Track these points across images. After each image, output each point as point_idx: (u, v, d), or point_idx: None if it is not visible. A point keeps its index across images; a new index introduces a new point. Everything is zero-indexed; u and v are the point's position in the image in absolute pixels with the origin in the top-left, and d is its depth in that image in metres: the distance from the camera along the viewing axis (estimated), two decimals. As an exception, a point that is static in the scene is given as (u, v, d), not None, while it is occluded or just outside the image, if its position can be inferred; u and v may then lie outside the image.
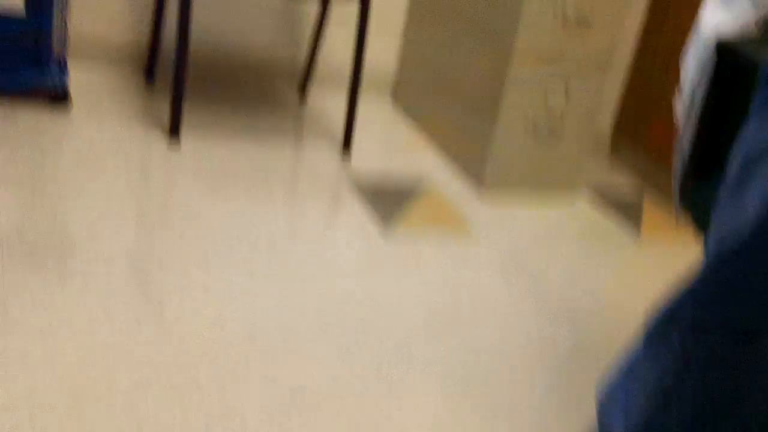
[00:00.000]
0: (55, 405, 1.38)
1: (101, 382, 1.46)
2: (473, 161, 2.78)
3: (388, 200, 2.47)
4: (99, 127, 2.35)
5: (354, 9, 2.76)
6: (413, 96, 3.14)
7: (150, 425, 1.39)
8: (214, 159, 2.37)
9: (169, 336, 1.63)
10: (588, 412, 1.70)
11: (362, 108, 3.10)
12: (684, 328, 1.00)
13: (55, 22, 2.35)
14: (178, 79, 2.33)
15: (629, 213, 3.00)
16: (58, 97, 2.39)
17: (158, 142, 2.38)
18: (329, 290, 1.94)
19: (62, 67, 2.44)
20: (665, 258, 2.71)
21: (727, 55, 1.40)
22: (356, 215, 2.32)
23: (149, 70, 2.76)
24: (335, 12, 3.00)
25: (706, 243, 1.00)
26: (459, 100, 2.85)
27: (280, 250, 2.03)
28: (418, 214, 2.44)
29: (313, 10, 3.01)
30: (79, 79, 2.61)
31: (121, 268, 1.78)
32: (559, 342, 1.98)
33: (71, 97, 2.45)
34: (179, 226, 1.99)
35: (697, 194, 1.61)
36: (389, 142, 2.91)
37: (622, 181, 3.27)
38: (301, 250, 2.06)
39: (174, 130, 2.41)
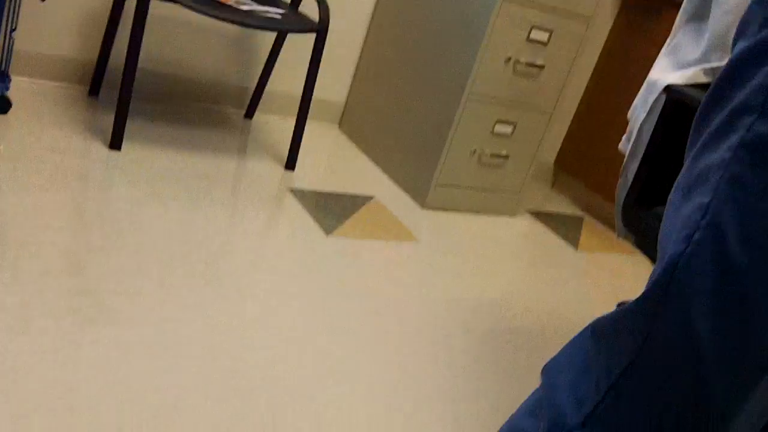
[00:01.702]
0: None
1: (15, 386, 1.42)
2: (418, 184, 2.81)
3: (331, 212, 2.47)
4: (39, 134, 2.32)
5: (309, 42, 2.81)
6: (361, 125, 3.17)
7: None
8: (155, 168, 2.36)
9: (98, 341, 1.59)
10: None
11: (309, 134, 3.12)
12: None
13: (-1, 29, 2.34)
14: (124, 86, 2.32)
15: (568, 228, 3.05)
16: (-2, 104, 2.37)
17: (99, 149, 2.36)
18: (270, 289, 1.92)
19: (3, 77, 2.42)
20: (603, 264, 2.75)
21: (674, 95, 1.51)
22: (298, 222, 2.32)
23: (95, 86, 2.75)
24: (290, 44, 3.04)
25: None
26: (407, 130, 2.89)
27: (220, 253, 2.01)
28: (361, 224, 2.45)
29: (267, 41, 3.04)
30: (22, 90, 2.59)
31: (55, 264, 1.75)
32: (480, 328, 1.99)
33: (11, 105, 2.42)
34: (116, 229, 1.97)
35: (638, 221, 1.68)
36: (334, 163, 2.93)
37: (563, 207, 3.33)
38: (241, 253, 2.04)
39: (116, 137, 2.39)
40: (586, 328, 1.00)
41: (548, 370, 1.02)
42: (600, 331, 0.96)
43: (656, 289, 0.87)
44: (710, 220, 0.83)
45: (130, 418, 1.37)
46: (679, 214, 0.88)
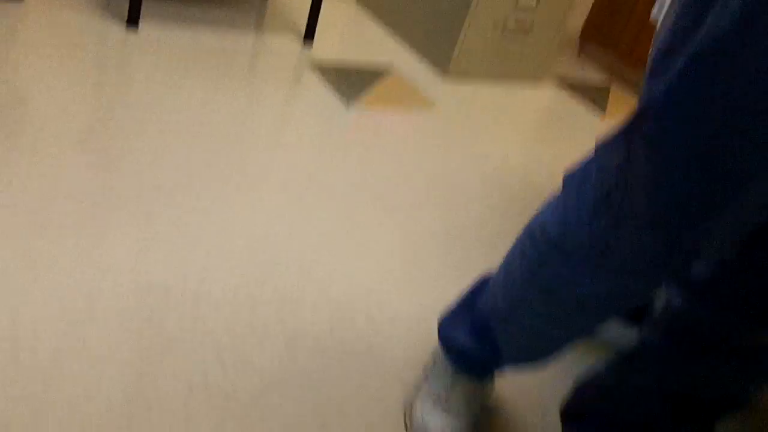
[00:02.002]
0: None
1: (51, 250, 1.45)
2: (439, 52, 2.75)
3: (351, 82, 2.44)
4: (55, 17, 2.30)
5: None
6: (379, -6, 3.10)
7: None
8: (173, 47, 2.33)
9: (118, 224, 1.61)
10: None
11: (326, 7, 3.05)
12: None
13: None
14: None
15: (595, 96, 3.00)
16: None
17: (116, 29, 2.33)
18: (290, 162, 1.92)
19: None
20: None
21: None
22: (318, 95, 2.29)
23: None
24: None
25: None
26: (428, 1, 2.81)
27: (242, 131, 2.00)
28: (381, 94, 2.42)
29: None
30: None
31: (75, 145, 1.75)
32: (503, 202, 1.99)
33: (25, -14, 2.39)
34: (135, 110, 1.96)
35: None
36: (353, 35, 2.88)
37: (589, 74, 3.26)
38: (261, 127, 2.04)
39: (133, 15, 2.36)
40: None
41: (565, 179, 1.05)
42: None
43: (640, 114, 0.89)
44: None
45: (151, 301, 1.40)
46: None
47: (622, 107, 2.98)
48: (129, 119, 1.87)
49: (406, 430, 1.30)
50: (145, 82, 2.07)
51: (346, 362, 1.38)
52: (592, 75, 3.26)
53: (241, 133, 1.97)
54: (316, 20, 2.63)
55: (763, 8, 0.75)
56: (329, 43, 2.71)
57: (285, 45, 2.59)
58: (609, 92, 3.11)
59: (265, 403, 1.26)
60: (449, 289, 1.64)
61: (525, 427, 1.38)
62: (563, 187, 1.05)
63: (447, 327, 1.31)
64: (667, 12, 1.64)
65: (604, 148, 0.97)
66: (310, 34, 2.65)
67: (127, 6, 2.49)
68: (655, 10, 1.92)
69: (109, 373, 1.22)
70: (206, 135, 1.91)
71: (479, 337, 1.24)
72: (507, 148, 2.35)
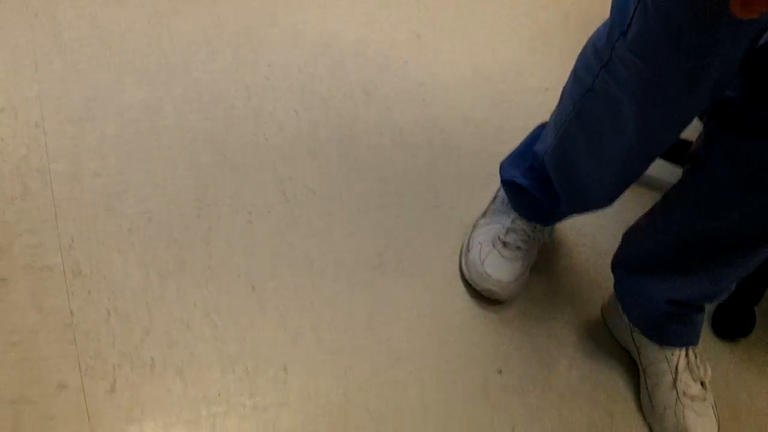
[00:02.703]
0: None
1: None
2: None
3: None
4: None
5: None
6: None
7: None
8: None
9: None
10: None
11: None
12: None
13: None
14: None
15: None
16: None
17: None
18: None
19: None
20: None
21: None
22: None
23: None
24: None
25: None
26: None
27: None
28: None
29: None
30: None
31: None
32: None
33: None
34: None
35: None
36: None
37: None
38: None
39: None
40: None
41: None
42: None
43: None
44: None
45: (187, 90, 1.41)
46: None
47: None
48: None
49: (461, 268, 1.32)
50: None
51: (406, 196, 1.39)
52: None
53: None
54: None
55: None
56: None
57: None
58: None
59: (322, 228, 1.29)
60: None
61: (581, 273, 1.39)
62: None
63: (507, 168, 1.31)
64: None
65: None
66: None
67: None
68: None
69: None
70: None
71: (537, 180, 1.24)
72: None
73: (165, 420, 1.06)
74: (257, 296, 1.20)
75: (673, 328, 1.21)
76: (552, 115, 1.20)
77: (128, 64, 1.44)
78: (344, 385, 1.15)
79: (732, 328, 1.37)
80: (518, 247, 1.29)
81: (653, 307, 1.21)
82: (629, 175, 1.14)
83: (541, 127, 1.28)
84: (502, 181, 1.33)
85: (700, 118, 1.24)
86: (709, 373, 1.22)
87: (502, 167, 1.33)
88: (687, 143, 1.34)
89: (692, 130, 1.10)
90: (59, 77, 1.39)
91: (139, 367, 1.10)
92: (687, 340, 1.22)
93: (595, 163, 1.11)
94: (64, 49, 1.43)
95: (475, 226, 1.35)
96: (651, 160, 1.10)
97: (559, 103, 1.15)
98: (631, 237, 1.25)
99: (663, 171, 1.56)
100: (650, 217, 1.21)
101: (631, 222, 1.28)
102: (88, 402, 1.05)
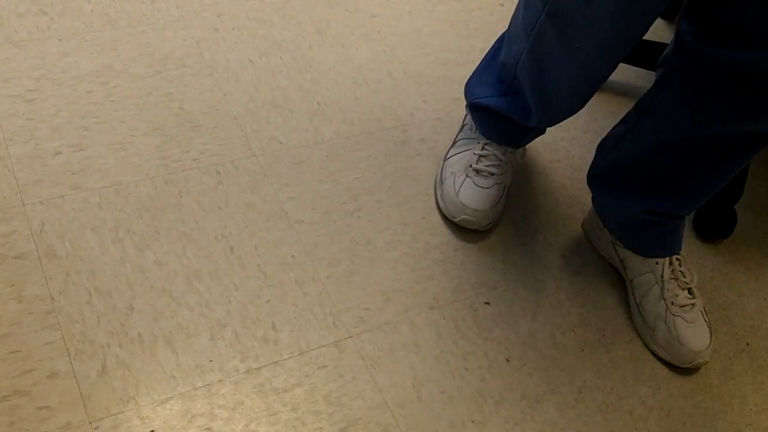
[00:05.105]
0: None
1: None
2: None
3: None
4: None
5: None
6: None
7: None
8: None
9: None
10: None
11: None
12: None
13: None
14: None
15: None
16: None
17: None
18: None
19: None
20: None
21: None
22: None
23: None
24: None
25: None
26: None
27: None
28: None
29: None
30: None
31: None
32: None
33: None
34: None
35: None
36: None
37: None
38: None
39: None
40: None
41: None
42: None
43: None
44: None
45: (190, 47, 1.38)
46: None
47: None
48: None
49: (437, 201, 1.31)
50: None
51: (374, 135, 1.38)
52: None
53: None
54: None
55: None
56: None
57: None
58: None
59: (293, 178, 1.28)
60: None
61: (558, 190, 1.39)
62: None
63: (473, 88, 1.28)
64: None
65: None
66: None
67: None
68: None
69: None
70: None
71: (505, 93, 1.21)
72: None
73: (161, 395, 1.06)
74: (237, 257, 1.19)
75: (654, 239, 1.22)
76: (512, 22, 1.17)
77: (72, 31, 1.39)
78: (335, 335, 1.15)
79: (714, 228, 1.37)
80: (491, 173, 1.27)
81: (632, 218, 1.21)
82: (602, 71, 1.12)
83: (502, 37, 1.25)
84: (468, 105, 1.30)
85: (672, 21, 1.22)
86: (696, 278, 1.23)
87: (468, 88, 1.30)
88: (658, 46, 1.32)
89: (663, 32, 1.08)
90: (2, 53, 1.34)
91: (127, 344, 1.09)
92: (669, 249, 1.22)
93: (570, 61, 1.08)
94: (1, 22, 1.38)
95: (446, 157, 1.33)
96: (624, 52, 1.07)
97: (524, 7, 1.12)
98: (605, 148, 1.24)
99: (629, 76, 1.54)
100: (622, 127, 1.19)
101: (603, 132, 1.27)
102: (81, 386, 1.05)
